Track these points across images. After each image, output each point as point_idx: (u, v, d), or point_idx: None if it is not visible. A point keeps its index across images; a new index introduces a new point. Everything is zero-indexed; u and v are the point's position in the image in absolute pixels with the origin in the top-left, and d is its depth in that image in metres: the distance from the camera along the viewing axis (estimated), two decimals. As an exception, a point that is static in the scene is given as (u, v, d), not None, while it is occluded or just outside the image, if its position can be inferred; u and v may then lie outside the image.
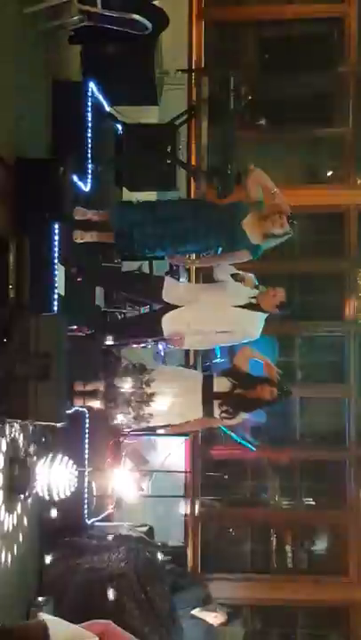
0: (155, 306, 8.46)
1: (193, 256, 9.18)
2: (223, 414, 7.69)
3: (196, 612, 8.60)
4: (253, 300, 7.92)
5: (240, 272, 7.95)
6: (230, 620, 9.13)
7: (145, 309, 9.04)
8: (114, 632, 6.01)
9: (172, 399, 7.76)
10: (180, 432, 8.52)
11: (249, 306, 7.94)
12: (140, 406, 7.70)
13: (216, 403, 7.69)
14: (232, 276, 7.92)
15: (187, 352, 10.08)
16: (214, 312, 8.01)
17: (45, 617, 6.05)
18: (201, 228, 7.85)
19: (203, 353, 10.44)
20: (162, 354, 9.63)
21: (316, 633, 12.15)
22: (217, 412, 7.72)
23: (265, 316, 8.03)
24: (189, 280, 10.11)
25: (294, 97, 10.99)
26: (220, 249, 8.16)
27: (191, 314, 8.00)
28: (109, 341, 8.34)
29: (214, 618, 8.75)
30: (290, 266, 12.06)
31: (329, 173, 12.87)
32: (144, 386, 7.71)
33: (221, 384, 7.74)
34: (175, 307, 8.03)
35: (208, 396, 7.71)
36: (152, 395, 7.70)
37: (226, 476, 11.99)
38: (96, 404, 7.93)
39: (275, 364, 8.13)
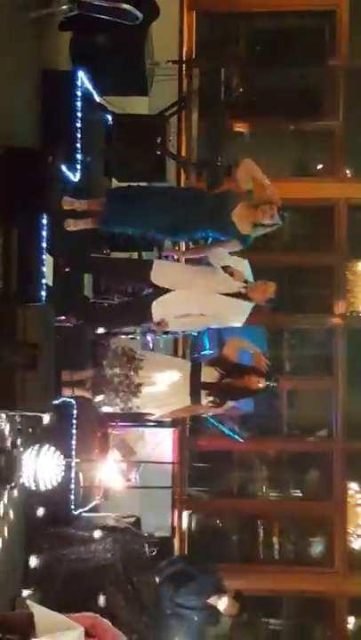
0: (144, 291, 8.43)
1: (183, 246, 9.18)
2: (210, 403, 7.69)
3: (211, 600, 8.64)
4: (243, 290, 7.92)
5: (231, 265, 7.93)
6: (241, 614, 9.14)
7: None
8: (101, 625, 6.02)
9: (160, 387, 7.76)
10: (167, 418, 8.49)
11: (238, 295, 7.94)
12: (127, 394, 7.69)
13: (204, 392, 7.69)
14: (223, 267, 7.90)
15: (175, 343, 10.09)
16: (203, 296, 8.00)
17: (31, 606, 6.06)
18: (190, 218, 7.84)
19: (192, 344, 10.46)
20: (150, 345, 9.63)
21: (301, 624, 12.19)
22: (204, 400, 7.71)
23: (251, 305, 8.04)
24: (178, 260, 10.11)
25: (285, 89, 10.97)
26: (210, 239, 8.16)
27: (181, 298, 8.00)
28: (98, 331, 8.34)
29: (228, 606, 8.77)
30: (279, 258, 12.07)
31: (319, 167, 12.88)
32: (132, 373, 7.70)
33: (209, 373, 7.74)
34: (164, 290, 8.02)
35: (196, 385, 7.71)
36: (139, 384, 7.70)
37: (213, 468, 11.99)
38: (84, 393, 7.93)
39: (264, 355, 8.13)
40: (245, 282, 7.99)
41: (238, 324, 8.22)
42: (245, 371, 7.78)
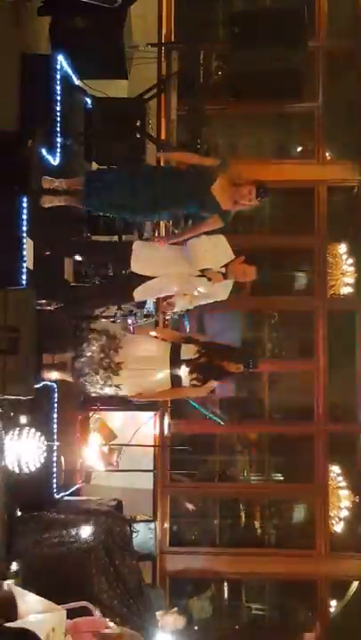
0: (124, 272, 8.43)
1: (163, 231, 9.17)
2: (193, 381, 7.69)
3: (158, 614, 8.62)
4: (223, 270, 7.94)
5: (211, 268, 7.93)
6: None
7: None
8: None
9: (140, 367, 7.76)
10: (149, 400, 8.49)
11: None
12: (108, 373, 7.68)
13: (185, 370, 7.69)
14: (201, 271, 7.92)
15: (156, 323, 10.09)
16: (183, 281, 8.03)
17: (13, 589, 6.08)
18: (170, 192, 7.83)
19: (172, 325, 10.46)
20: (131, 328, 9.63)
21: (284, 606, 12.24)
22: (186, 380, 7.71)
23: (232, 281, 8.06)
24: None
25: (264, 72, 10.95)
26: (190, 221, 8.17)
27: (160, 285, 8.03)
28: (78, 314, 8.33)
29: (175, 621, 8.78)
30: (259, 241, 12.06)
31: (299, 149, 12.88)
32: (112, 351, 7.69)
33: (189, 350, 7.75)
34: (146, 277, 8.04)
35: (176, 362, 7.71)
36: (120, 363, 7.70)
37: (195, 451, 11.99)
38: (65, 376, 7.92)
39: (242, 339, 8.16)
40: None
41: (224, 298, 8.24)
42: (225, 352, 7.78)
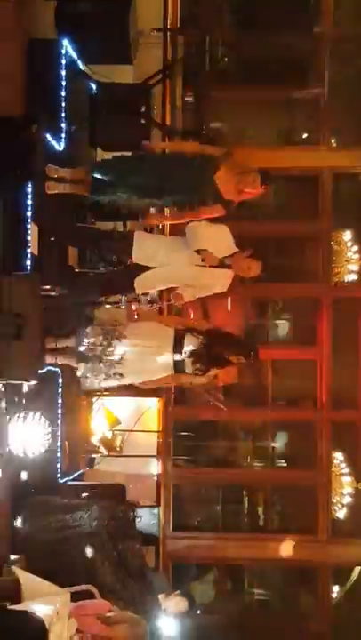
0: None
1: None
2: (195, 370, 7.71)
3: (161, 597, 8.64)
4: (227, 261, 7.93)
5: (207, 249, 7.92)
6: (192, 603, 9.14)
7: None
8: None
9: (143, 355, 7.77)
10: (152, 387, 8.51)
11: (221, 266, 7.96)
12: (110, 362, 7.70)
13: (188, 359, 7.70)
14: (196, 251, 7.91)
15: (160, 310, 10.09)
16: (184, 270, 8.02)
17: (17, 572, 6.11)
18: (175, 180, 7.83)
19: (176, 311, 10.46)
20: (135, 314, 9.63)
21: (286, 591, 12.27)
22: (189, 368, 7.73)
23: (232, 273, 8.05)
24: (163, 229, 10.13)
25: (270, 57, 10.93)
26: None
27: (162, 275, 8.02)
28: (82, 300, 8.35)
29: (177, 604, 8.79)
30: (263, 228, 12.04)
31: (304, 135, 12.84)
32: (115, 340, 7.71)
33: (192, 339, 7.75)
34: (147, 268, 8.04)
35: (179, 351, 7.72)
36: (123, 353, 7.71)
37: (198, 437, 12.01)
38: (68, 361, 7.94)
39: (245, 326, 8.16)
40: (222, 262, 7.99)
41: (221, 290, 8.23)
42: (227, 340, 7.80)
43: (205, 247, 7.89)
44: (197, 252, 7.88)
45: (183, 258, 8.02)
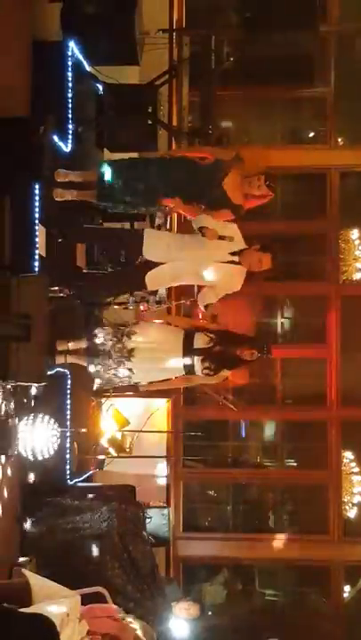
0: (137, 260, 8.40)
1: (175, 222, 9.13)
2: (205, 370, 7.69)
3: (173, 604, 8.63)
4: (235, 258, 7.89)
5: (208, 226, 7.86)
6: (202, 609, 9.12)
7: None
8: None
9: (153, 355, 7.76)
10: (162, 389, 8.50)
11: (230, 263, 7.93)
12: (120, 358, 7.70)
13: (198, 359, 7.69)
14: (198, 229, 7.86)
15: (168, 309, 10.09)
16: (195, 267, 7.99)
17: (28, 575, 6.10)
18: (182, 187, 7.82)
19: (185, 311, 10.45)
20: (144, 315, 9.62)
21: (297, 591, 12.25)
22: (199, 369, 7.71)
23: (245, 270, 8.00)
24: (170, 228, 10.11)
25: (276, 56, 10.92)
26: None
27: (173, 271, 7.99)
28: (91, 301, 8.34)
29: (189, 609, 8.78)
30: (272, 227, 12.04)
31: (311, 134, 12.84)
32: (125, 339, 7.70)
33: (202, 340, 7.74)
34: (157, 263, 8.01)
35: (188, 351, 7.71)
36: (132, 349, 7.70)
37: (208, 437, 12.00)
38: (78, 360, 7.93)
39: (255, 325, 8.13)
40: (222, 237, 7.92)
41: (237, 289, 8.18)
42: (238, 340, 7.78)
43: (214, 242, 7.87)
44: (200, 230, 7.83)
45: (195, 254, 7.98)
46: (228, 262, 7.90)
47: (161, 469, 11.25)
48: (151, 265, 8.00)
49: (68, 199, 8.14)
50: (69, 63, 8.78)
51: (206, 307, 8.04)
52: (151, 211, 8.61)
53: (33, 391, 7.35)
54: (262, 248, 7.82)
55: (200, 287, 8.40)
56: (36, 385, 7.14)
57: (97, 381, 7.99)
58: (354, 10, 12.08)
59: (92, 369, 7.84)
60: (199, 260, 7.97)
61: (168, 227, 9.96)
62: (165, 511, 10.59)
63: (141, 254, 8.03)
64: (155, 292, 9.26)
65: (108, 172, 7.95)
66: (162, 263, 7.97)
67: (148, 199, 8.00)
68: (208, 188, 7.81)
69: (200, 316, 8.50)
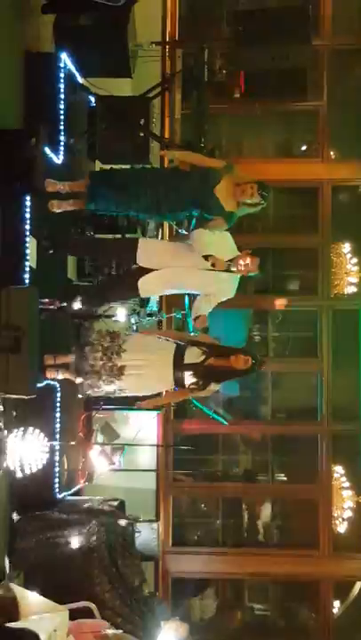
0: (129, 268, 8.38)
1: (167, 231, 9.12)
2: (192, 385, 7.66)
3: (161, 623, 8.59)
4: (228, 265, 7.89)
5: (213, 254, 7.88)
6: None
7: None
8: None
9: (143, 371, 7.73)
10: (151, 405, 8.46)
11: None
12: (110, 377, 7.67)
13: (187, 374, 7.66)
14: (204, 257, 7.86)
15: (159, 322, 10.07)
16: (189, 275, 7.98)
17: (15, 589, 6.07)
18: (174, 194, 7.81)
19: (176, 325, 10.43)
20: (134, 327, 9.61)
21: (286, 606, 12.21)
22: (188, 381, 7.68)
23: (238, 276, 8.00)
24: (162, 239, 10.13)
25: (269, 70, 10.93)
26: (194, 221, 8.14)
27: (167, 277, 7.98)
28: (80, 309, 8.29)
29: (177, 629, 8.72)
30: (263, 240, 12.03)
31: (303, 148, 12.85)
32: (115, 355, 7.67)
33: (193, 354, 7.71)
34: (149, 269, 7.99)
35: (179, 366, 7.68)
36: (123, 367, 7.67)
37: (198, 451, 11.96)
38: (68, 375, 7.90)
39: (247, 337, 8.12)
40: (228, 269, 7.94)
41: (231, 295, 8.17)
42: (231, 351, 7.76)
43: (211, 252, 7.85)
44: (205, 258, 7.83)
45: (189, 262, 7.97)
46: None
47: (150, 483, 11.21)
48: (144, 272, 7.99)
49: (66, 209, 8.13)
50: (62, 75, 8.78)
51: (197, 318, 8.02)
52: (141, 218, 8.60)
53: (22, 404, 7.31)
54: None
55: (191, 299, 8.38)
56: (25, 397, 7.09)
57: (85, 394, 7.96)
58: (347, 24, 12.11)
59: (80, 387, 7.82)
60: (193, 267, 7.96)
61: (160, 237, 9.99)
62: (155, 525, 10.55)
63: (134, 263, 8.03)
64: (145, 305, 9.24)
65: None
66: (155, 270, 7.97)
67: (138, 207, 7.99)
68: (200, 196, 7.80)
69: (191, 329, 8.49)
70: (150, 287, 8.14)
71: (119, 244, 8.76)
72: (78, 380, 7.80)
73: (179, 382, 7.72)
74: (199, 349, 7.70)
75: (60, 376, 7.95)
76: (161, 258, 8.01)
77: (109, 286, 8.66)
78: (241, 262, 7.89)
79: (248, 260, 7.90)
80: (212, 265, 7.77)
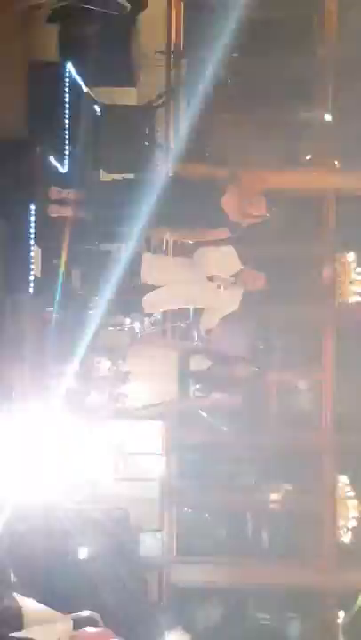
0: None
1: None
2: (197, 392, 7.68)
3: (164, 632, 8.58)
4: (233, 280, 7.89)
5: (219, 274, 7.88)
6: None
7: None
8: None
9: (148, 376, 7.75)
10: (154, 413, 8.48)
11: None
12: (115, 384, 7.68)
13: (192, 382, 7.68)
14: (209, 278, 7.88)
15: (164, 332, 10.07)
16: (194, 291, 7.98)
17: (19, 598, 6.04)
18: (179, 205, 7.81)
19: (180, 334, 10.43)
20: (139, 337, 9.60)
21: (288, 617, 12.16)
22: (191, 389, 7.70)
23: (242, 289, 7.99)
24: (165, 251, 10.12)
25: (274, 80, 10.96)
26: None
27: (171, 294, 7.98)
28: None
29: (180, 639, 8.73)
30: (268, 249, 12.02)
31: (308, 157, 12.85)
32: (120, 361, 7.69)
33: (198, 363, 7.73)
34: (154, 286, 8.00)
35: (183, 374, 7.70)
36: (127, 373, 7.69)
37: (200, 460, 11.95)
38: (72, 382, 7.91)
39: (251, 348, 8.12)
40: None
41: (236, 308, 8.17)
42: (233, 360, 7.77)
43: (215, 271, 7.86)
44: (210, 279, 7.85)
45: (192, 278, 7.98)
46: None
47: (154, 492, 11.18)
48: (149, 288, 8.00)
49: (63, 215, 8.12)
50: (67, 84, 8.78)
51: (208, 331, 8.02)
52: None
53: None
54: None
55: (196, 310, 8.39)
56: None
57: (91, 403, 7.97)
58: (352, 33, 12.11)
59: (86, 394, 7.83)
60: (196, 283, 7.97)
61: (164, 250, 9.98)
62: (159, 534, 10.53)
63: (139, 277, 8.04)
64: (150, 315, 9.25)
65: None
66: (160, 286, 7.97)
67: (140, 218, 7.99)
68: (205, 206, 7.80)
69: (195, 339, 8.49)
70: (155, 304, 8.14)
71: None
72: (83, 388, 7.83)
73: (182, 391, 7.74)
74: (203, 357, 7.72)
75: (64, 383, 7.95)
76: (165, 274, 8.02)
77: (114, 303, 8.65)
78: (246, 278, 7.89)
79: (253, 276, 7.90)
80: (218, 287, 7.79)
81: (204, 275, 7.85)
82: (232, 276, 7.90)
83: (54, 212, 8.05)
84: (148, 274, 8.01)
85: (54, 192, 8.07)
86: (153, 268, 8.06)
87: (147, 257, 8.27)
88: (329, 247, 11.96)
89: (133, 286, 8.33)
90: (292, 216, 12.35)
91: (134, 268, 8.06)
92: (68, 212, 8.11)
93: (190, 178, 8.07)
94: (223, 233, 7.85)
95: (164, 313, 9.71)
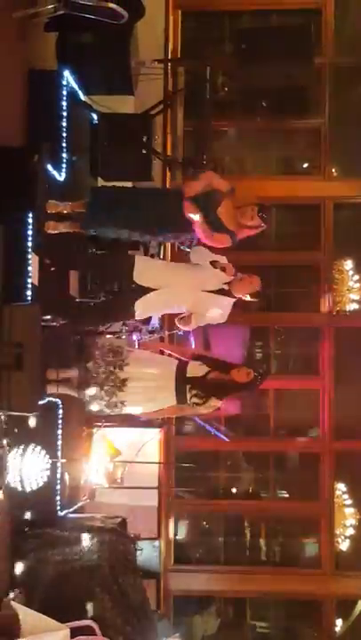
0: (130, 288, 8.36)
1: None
2: (194, 399, 7.66)
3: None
4: (225, 287, 7.87)
5: (219, 260, 7.88)
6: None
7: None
8: None
9: (146, 384, 7.74)
10: (153, 417, 8.45)
11: (220, 291, 7.89)
12: (112, 391, 7.66)
13: (189, 388, 7.66)
14: (211, 263, 7.86)
15: (161, 339, 10.05)
16: (186, 294, 7.95)
17: (17, 607, 6.04)
18: (176, 215, 7.80)
19: (178, 341, 10.42)
20: (136, 344, 9.60)
21: (288, 626, 12.16)
22: (188, 396, 7.68)
23: (232, 301, 7.97)
24: (163, 257, 10.10)
25: (271, 88, 10.97)
26: (195, 240, 8.13)
27: (163, 297, 7.95)
28: (83, 330, 8.29)
29: None
30: (265, 257, 12.03)
31: (305, 165, 12.87)
32: (118, 369, 7.68)
33: (195, 369, 7.71)
34: (147, 289, 7.96)
35: (181, 382, 7.68)
36: (125, 380, 7.68)
37: (199, 468, 11.94)
38: (70, 391, 7.89)
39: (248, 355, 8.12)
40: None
41: (223, 320, 8.16)
42: (232, 366, 7.76)
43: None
44: (213, 264, 7.82)
45: (187, 282, 7.96)
46: (217, 292, 7.90)
47: (152, 500, 11.17)
48: (142, 292, 7.97)
49: (62, 231, 8.11)
50: (64, 92, 8.80)
51: (180, 320, 8.03)
52: (143, 239, 8.60)
53: (24, 421, 7.30)
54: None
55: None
56: (27, 415, 7.08)
57: (89, 407, 7.96)
58: (348, 42, 12.15)
59: (84, 400, 7.82)
60: (191, 288, 7.95)
61: (162, 256, 9.97)
62: (156, 543, 10.52)
63: (130, 281, 8.01)
64: (148, 322, 9.23)
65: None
66: (153, 290, 7.95)
67: (135, 229, 7.97)
68: (203, 214, 7.79)
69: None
70: (147, 308, 8.10)
71: (117, 261, 8.73)
72: (79, 394, 7.80)
73: (181, 398, 7.72)
74: (201, 364, 7.72)
75: (61, 391, 7.94)
76: (158, 277, 8.00)
77: (108, 308, 8.63)
78: (240, 283, 7.87)
79: (248, 279, 7.89)
80: (222, 269, 7.77)
81: (205, 261, 7.83)
82: (226, 284, 7.88)
83: (51, 228, 8.02)
84: (141, 276, 7.98)
85: (52, 205, 8.04)
86: (146, 270, 8.03)
87: (140, 259, 8.24)
88: (326, 254, 11.96)
89: (127, 291, 8.31)
90: (289, 224, 12.37)
91: (128, 272, 8.04)
92: (65, 227, 8.09)
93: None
94: (225, 238, 7.82)
95: (162, 320, 9.71)
